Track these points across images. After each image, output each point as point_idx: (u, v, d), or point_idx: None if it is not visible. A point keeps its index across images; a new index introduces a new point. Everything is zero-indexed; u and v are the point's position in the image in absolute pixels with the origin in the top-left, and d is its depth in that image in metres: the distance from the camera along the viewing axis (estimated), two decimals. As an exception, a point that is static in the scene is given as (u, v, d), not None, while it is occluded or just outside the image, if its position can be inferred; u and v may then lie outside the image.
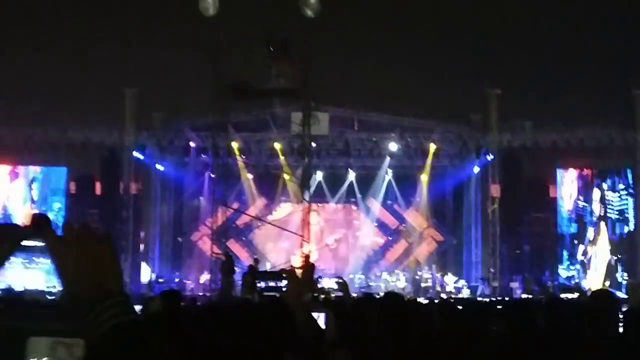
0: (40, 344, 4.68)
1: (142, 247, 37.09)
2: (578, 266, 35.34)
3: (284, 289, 5.93)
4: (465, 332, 7.44)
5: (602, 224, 35.19)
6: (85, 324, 2.18)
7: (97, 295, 2.20)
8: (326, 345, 5.20)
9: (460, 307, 7.83)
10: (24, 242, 2.30)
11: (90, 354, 2.19)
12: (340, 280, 10.13)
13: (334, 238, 39.94)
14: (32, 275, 30.72)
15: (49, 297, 27.34)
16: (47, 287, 29.84)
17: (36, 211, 29.78)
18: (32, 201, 35.89)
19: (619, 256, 34.74)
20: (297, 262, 31.63)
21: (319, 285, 25.61)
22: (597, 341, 6.35)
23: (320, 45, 29.49)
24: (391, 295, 7.67)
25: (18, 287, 29.61)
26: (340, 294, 9.46)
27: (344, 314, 7.28)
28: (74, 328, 2.25)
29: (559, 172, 36.12)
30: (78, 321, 2.20)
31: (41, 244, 2.26)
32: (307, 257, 29.07)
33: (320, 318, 7.21)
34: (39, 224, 2.27)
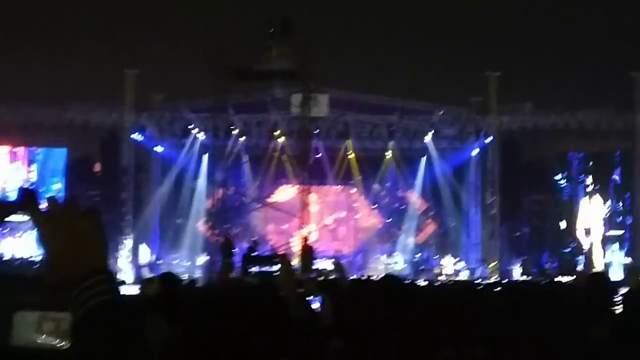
0: (26, 318, 4.63)
1: (141, 228, 37.10)
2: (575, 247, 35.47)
3: (276, 274, 5.94)
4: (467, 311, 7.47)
5: (596, 197, 35.29)
6: (71, 300, 2.17)
7: (81, 272, 2.17)
8: (321, 331, 5.21)
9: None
10: (10, 217, 2.29)
11: (72, 332, 2.18)
12: (336, 262, 10.14)
13: (332, 218, 39.89)
14: (21, 243, 30.70)
15: (36, 267, 27.33)
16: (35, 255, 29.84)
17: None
18: (31, 182, 35.83)
19: (617, 233, 34.94)
20: (297, 244, 31.68)
21: (315, 267, 25.67)
22: (595, 322, 6.38)
23: (321, 26, 29.47)
24: (388, 279, 7.69)
25: (7, 255, 29.61)
26: (336, 275, 9.44)
27: (340, 297, 7.28)
28: (60, 302, 2.24)
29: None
30: (63, 296, 2.19)
31: (27, 217, 2.23)
32: (305, 239, 29.09)
33: (316, 302, 7.22)
34: (25, 199, 2.24)
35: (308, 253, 26.29)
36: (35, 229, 2.22)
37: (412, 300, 7.09)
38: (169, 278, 8.26)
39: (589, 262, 34.80)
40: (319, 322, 5.40)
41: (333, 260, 11.08)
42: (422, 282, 26.39)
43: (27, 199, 2.25)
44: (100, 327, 2.14)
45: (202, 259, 34.85)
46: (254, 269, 20.15)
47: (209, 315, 5.09)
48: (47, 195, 2.34)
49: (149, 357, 2.22)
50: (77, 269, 2.17)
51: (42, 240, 2.22)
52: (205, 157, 36.97)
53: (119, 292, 2.22)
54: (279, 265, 5.82)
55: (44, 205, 2.23)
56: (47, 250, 2.21)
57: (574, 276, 29.06)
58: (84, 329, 2.15)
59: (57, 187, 35.83)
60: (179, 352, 4.43)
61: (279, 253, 25.54)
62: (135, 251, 36.07)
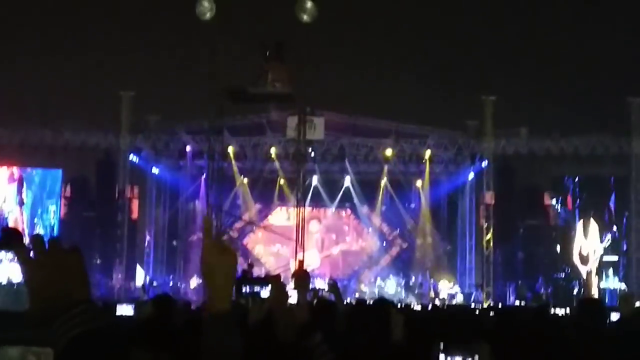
0: (8, 353, 4.62)
1: (136, 250, 37.10)
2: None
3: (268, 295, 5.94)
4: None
5: (592, 222, 35.32)
6: (53, 333, 2.21)
7: (64, 303, 2.22)
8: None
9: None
10: None
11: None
12: (331, 282, 10.13)
13: (339, 248, 39.93)
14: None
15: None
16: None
17: (9, 225, 29.87)
18: (22, 203, 35.70)
19: (611, 259, 34.99)
20: (292, 266, 31.64)
21: (312, 286, 25.56)
22: (586, 348, 6.38)
23: (316, 50, 29.53)
24: (381, 301, 7.69)
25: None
26: (331, 296, 9.44)
27: (334, 320, 7.27)
28: (43, 337, 2.28)
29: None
30: (46, 330, 2.23)
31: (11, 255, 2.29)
32: (301, 263, 29.04)
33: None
34: (8, 238, 2.31)
35: (303, 275, 26.23)
36: (20, 266, 2.28)
37: (406, 323, 7.09)
38: (162, 301, 8.17)
39: (585, 288, 34.77)
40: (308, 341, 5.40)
41: (329, 281, 11.09)
42: (416, 306, 26.38)
43: (11, 238, 2.32)
44: (82, 356, 2.17)
45: (196, 281, 34.80)
46: (247, 290, 20.06)
47: (196, 339, 5.10)
48: (33, 234, 2.42)
49: None
50: (59, 302, 2.22)
51: (26, 277, 2.27)
52: (201, 179, 36.99)
53: (102, 320, 2.25)
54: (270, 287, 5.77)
55: (27, 243, 2.29)
56: (31, 287, 2.25)
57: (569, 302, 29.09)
58: (69, 357, 2.18)
59: (52, 209, 35.78)
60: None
61: (272, 274, 25.45)
62: (130, 273, 36.04)
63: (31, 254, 2.30)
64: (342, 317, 7.45)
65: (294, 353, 5.17)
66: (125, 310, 18.05)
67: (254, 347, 4.84)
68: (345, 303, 16.91)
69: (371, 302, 9.23)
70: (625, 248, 35.24)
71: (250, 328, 5.50)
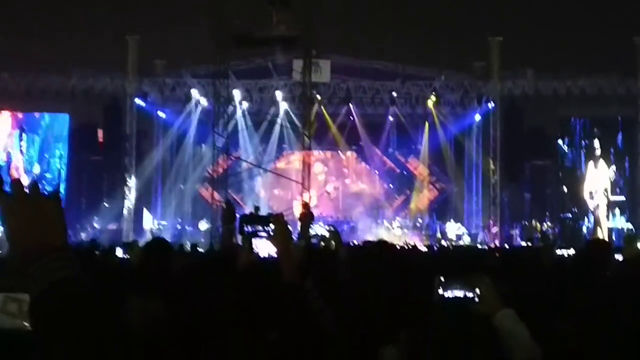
0: None
1: (144, 194, 37.22)
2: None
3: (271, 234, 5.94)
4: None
5: (601, 162, 35.32)
6: (30, 279, 2.23)
7: (42, 249, 2.24)
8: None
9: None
10: None
11: (31, 308, 2.23)
12: (332, 229, 10.10)
13: (332, 186, 39.97)
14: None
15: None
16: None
17: None
18: (27, 148, 35.78)
19: (619, 199, 35.05)
20: (297, 209, 31.72)
21: (313, 233, 25.68)
22: (590, 289, 6.40)
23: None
24: (382, 244, 7.71)
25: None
26: (332, 242, 9.43)
27: (333, 265, 7.29)
28: (22, 283, 2.31)
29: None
30: (24, 276, 2.25)
31: None
32: (305, 205, 29.10)
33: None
34: None
35: (308, 219, 26.30)
36: None
37: (407, 265, 7.15)
38: (156, 245, 7.62)
39: (594, 228, 34.86)
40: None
41: (329, 227, 11.11)
42: (422, 248, 26.48)
43: None
44: (59, 302, 2.19)
45: (204, 224, 34.93)
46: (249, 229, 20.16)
47: (194, 288, 5.13)
48: (12, 179, 2.42)
49: (117, 334, 2.28)
50: (37, 247, 2.24)
51: (4, 221, 2.29)
52: (207, 123, 36.95)
53: (78, 268, 2.27)
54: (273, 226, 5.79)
55: (6, 187, 2.31)
56: (9, 231, 2.28)
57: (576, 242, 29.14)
58: (42, 305, 2.21)
59: (59, 153, 35.87)
60: (161, 329, 4.44)
61: (275, 213, 25.42)
62: (138, 217, 36.22)
63: (9, 198, 2.30)
64: (343, 264, 7.45)
65: (291, 294, 5.20)
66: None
67: (243, 291, 4.88)
68: (350, 245, 16.99)
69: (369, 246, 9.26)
70: (632, 188, 35.27)
71: (239, 271, 5.50)
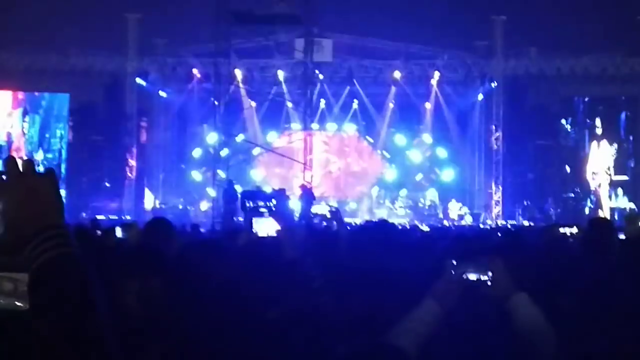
0: None
1: (145, 173, 37.19)
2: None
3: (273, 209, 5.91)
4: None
5: (604, 142, 35.23)
6: (26, 258, 2.23)
7: (36, 227, 2.23)
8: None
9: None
10: None
11: (29, 287, 2.24)
12: (333, 209, 10.03)
13: (337, 166, 39.89)
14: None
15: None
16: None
17: None
18: (29, 128, 35.72)
19: (621, 179, 34.98)
20: (297, 188, 31.70)
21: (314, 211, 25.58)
22: (593, 269, 6.33)
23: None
24: (382, 223, 7.62)
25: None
26: (333, 222, 9.37)
27: (333, 244, 7.21)
28: (17, 262, 2.26)
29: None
30: (19, 255, 2.25)
31: None
32: (306, 183, 29.04)
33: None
34: None
35: (308, 197, 26.20)
36: None
37: (407, 245, 7.03)
38: (158, 226, 7.50)
39: (595, 207, 34.80)
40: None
41: (330, 207, 11.10)
42: (424, 227, 26.42)
43: None
44: (56, 280, 2.19)
45: (206, 204, 34.88)
46: (250, 205, 20.12)
47: (194, 267, 5.05)
48: (7, 156, 2.41)
49: (114, 313, 2.35)
50: (33, 225, 2.24)
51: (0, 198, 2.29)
52: (208, 102, 36.84)
53: (74, 246, 2.25)
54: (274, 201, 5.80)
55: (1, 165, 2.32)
56: (4, 210, 2.27)
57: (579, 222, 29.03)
58: (38, 282, 2.21)
59: (60, 133, 35.80)
60: (159, 309, 4.40)
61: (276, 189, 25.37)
62: (139, 196, 36.18)
63: (4, 177, 2.30)
64: (344, 243, 7.38)
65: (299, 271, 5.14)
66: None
67: (243, 269, 4.81)
68: (351, 224, 16.92)
69: (370, 225, 9.18)
70: (635, 167, 35.18)
71: (240, 249, 5.45)
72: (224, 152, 33.67)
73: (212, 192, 32.80)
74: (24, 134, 35.71)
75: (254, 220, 6.10)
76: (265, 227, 6.63)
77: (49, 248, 2.20)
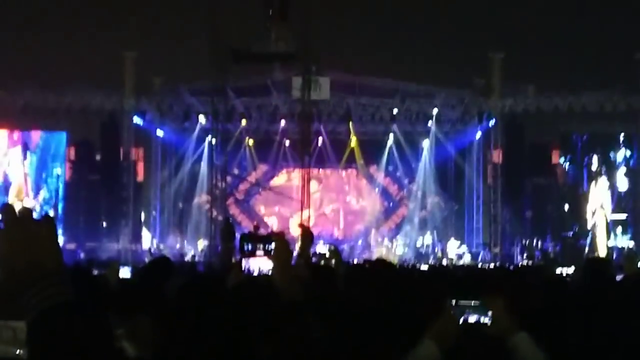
0: None
1: (142, 213, 37.09)
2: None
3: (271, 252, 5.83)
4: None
5: (602, 179, 35.16)
6: (25, 306, 2.20)
7: (34, 275, 2.20)
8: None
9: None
10: None
11: (28, 335, 2.19)
12: (332, 248, 9.99)
13: (331, 207, 39.90)
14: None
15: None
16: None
17: None
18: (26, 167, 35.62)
19: (620, 217, 34.88)
20: (295, 227, 31.59)
21: (313, 251, 25.48)
22: (592, 309, 6.26)
23: (321, 8, 29.25)
24: (380, 262, 7.52)
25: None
26: (332, 261, 9.30)
27: (333, 282, 7.12)
28: (16, 310, 2.20)
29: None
30: (19, 303, 2.22)
31: None
32: (304, 223, 28.89)
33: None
34: None
35: (307, 237, 26.09)
36: None
37: (404, 285, 6.90)
38: (158, 266, 7.49)
39: (593, 246, 34.67)
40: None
41: (329, 246, 11.02)
42: (423, 267, 26.29)
43: None
44: (54, 329, 2.16)
45: (204, 243, 34.78)
46: (249, 247, 20.01)
47: (188, 306, 4.94)
48: (3, 203, 2.38)
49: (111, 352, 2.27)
50: (31, 272, 2.21)
51: None
52: (206, 141, 36.84)
53: (72, 293, 2.24)
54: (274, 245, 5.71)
55: None
56: (1, 256, 2.24)
57: (578, 261, 28.94)
58: (37, 331, 2.18)
59: (57, 172, 35.71)
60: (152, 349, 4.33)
61: (276, 232, 25.31)
62: (136, 236, 36.05)
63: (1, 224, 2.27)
64: (343, 283, 7.30)
65: (296, 313, 5.02)
66: (121, 272, 17.94)
67: (235, 311, 4.69)
68: (349, 263, 16.77)
69: (368, 264, 9.08)
70: (634, 205, 35.10)
71: (230, 291, 5.33)
72: (222, 190, 33.59)
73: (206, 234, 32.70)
74: (24, 173, 35.57)
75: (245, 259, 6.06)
76: (258, 264, 6.59)
77: (48, 296, 2.18)
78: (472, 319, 4.36)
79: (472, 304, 4.58)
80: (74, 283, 2.24)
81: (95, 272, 11.84)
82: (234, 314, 4.55)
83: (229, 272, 8.23)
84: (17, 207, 2.27)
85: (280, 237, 5.79)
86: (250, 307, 4.76)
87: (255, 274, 15.78)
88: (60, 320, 2.14)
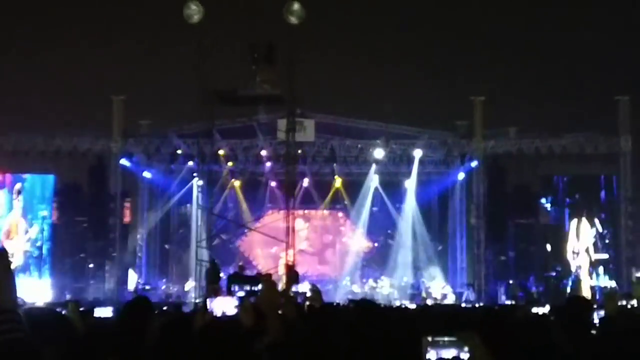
0: None
1: (129, 254, 37.13)
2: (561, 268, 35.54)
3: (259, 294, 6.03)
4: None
5: (584, 221, 35.41)
6: None
7: None
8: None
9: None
10: None
11: None
12: (314, 289, 10.17)
13: (316, 247, 40.09)
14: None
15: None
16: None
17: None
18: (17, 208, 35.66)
19: (602, 257, 35.10)
20: (281, 268, 31.70)
21: (295, 290, 25.63)
22: (571, 346, 6.44)
23: (305, 51, 29.59)
24: (363, 302, 7.76)
25: None
26: (313, 302, 9.50)
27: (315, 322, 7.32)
28: None
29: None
30: None
31: None
32: (289, 263, 29.05)
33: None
34: None
35: (291, 277, 26.27)
36: None
37: (388, 324, 7.17)
38: (136, 306, 7.27)
39: (576, 286, 34.84)
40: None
41: (311, 286, 11.15)
42: (410, 305, 26.48)
43: None
44: None
45: (190, 284, 34.80)
46: (237, 289, 20.22)
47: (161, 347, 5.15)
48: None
49: None
50: None
51: None
52: (193, 183, 37.01)
53: (25, 330, 2.27)
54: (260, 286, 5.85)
55: None
56: None
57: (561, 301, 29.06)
58: None
59: (43, 214, 35.75)
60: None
61: (263, 273, 25.50)
62: (122, 277, 36.07)
63: None
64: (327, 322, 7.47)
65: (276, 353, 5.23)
66: (103, 312, 18.14)
67: (203, 352, 4.90)
68: (334, 304, 16.98)
69: (352, 304, 9.30)
70: (615, 246, 35.36)
71: (197, 333, 5.52)
72: (207, 232, 33.71)
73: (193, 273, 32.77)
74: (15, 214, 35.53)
75: (209, 300, 6.24)
76: (221, 306, 6.74)
77: (2, 332, 2.20)
78: (450, 354, 4.58)
79: (449, 340, 4.80)
80: (44, 324, 2.30)
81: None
82: (201, 355, 4.78)
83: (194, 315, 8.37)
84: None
85: (268, 279, 6.00)
86: (212, 347, 4.99)
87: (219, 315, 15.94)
88: (11, 356, 2.18)
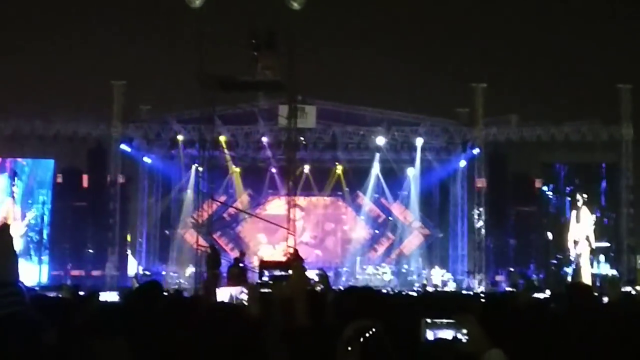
0: None
1: (129, 239, 37.10)
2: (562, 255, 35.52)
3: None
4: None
5: (585, 209, 35.37)
6: None
7: None
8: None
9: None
10: None
11: None
12: (321, 273, 10.11)
13: (316, 234, 40.01)
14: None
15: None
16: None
17: None
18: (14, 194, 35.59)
19: (603, 245, 35.08)
20: (281, 254, 31.64)
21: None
22: (575, 333, 6.40)
23: (307, 37, 29.51)
24: (367, 289, 7.69)
25: None
26: (321, 286, 9.45)
27: (322, 308, 7.29)
28: None
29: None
30: None
31: None
32: (295, 250, 28.98)
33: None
34: None
35: (302, 264, 26.19)
36: None
37: (390, 310, 7.10)
38: (147, 289, 7.54)
39: (576, 274, 34.81)
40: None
41: (318, 271, 11.10)
42: (412, 293, 26.42)
43: None
44: (6, 339, 2.22)
45: (190, 270, 34.76)
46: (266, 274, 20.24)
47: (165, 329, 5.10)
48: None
49: None
50: None
51: None
52: (193, 168, 36.95)
53: (26, 304, 2.23)
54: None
55: None
56: None
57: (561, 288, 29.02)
58: None
59: (42, 199, 35.71)
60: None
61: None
62: (122, 263, 36.05)
63: None
64: (331, 307, 7.45)
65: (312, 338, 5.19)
66: (108, 296, 18.15)
67: (261, 339, 4.86)
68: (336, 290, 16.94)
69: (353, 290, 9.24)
70: (616, 234, 35.33)
71: (253, 321, 5.50)
72: (208, 218, 33.65)
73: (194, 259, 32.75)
74: (13, 198, 35.49)
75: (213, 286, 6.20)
76: (223, 293, 6.69)
77: (3, 305, 2.14)
78: (448, 334, 4.53)
79: (447, 322, 4.76)
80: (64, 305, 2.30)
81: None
82: (205, 337, 4.73)
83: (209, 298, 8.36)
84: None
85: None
86: (219, 331, 4.94)
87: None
88: (13, 328, 2.13)
